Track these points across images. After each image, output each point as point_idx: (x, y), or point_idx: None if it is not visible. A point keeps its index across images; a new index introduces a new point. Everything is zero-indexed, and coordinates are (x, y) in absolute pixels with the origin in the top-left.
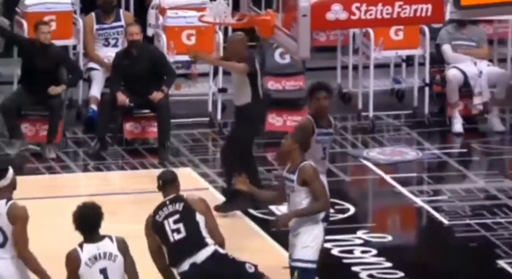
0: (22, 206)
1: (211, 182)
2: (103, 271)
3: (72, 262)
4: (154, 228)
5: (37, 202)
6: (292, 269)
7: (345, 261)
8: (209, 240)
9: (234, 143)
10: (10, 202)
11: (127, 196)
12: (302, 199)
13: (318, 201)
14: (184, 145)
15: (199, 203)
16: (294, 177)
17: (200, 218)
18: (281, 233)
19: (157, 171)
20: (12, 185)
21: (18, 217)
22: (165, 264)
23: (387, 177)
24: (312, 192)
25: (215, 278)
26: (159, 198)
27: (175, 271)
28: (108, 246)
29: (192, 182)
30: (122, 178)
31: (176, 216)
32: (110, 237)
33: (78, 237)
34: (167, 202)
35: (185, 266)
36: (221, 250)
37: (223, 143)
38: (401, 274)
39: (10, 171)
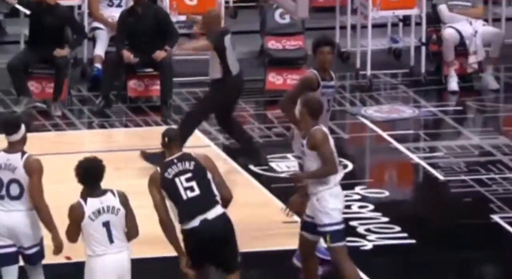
0: (37, 158)
1: (212, 139)
2: (106, 224)
3: (76, 214)
4: (163, 184)
5: (43, 158)
6: (322, 234)
7: (343, 216)
8: (219, 199)
9: (197, 109)
10: (25, 155)
11: (131, 153)
12: (312, 163)
13: (325, 166)
14: (187, 103)
15: (207, 160)
16: (305, 141)
17: (210, 176)
18: (280, 189)
19: (160, 129)
20: (24, 140)
21: (34, 170)
22: (169, 217)
23: (385, 134)
24: (320, 157)
25: (221, 237)
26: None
27: (180, 227)
28: (110, 200)
29: (194, 139)
30: (126, 135)
31: (188, 175)
32: (112, 191)
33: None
34: (175, 160)
35: (196, 222)
36: (228, 214)
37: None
38: (398, 228)
39: (22, 126)
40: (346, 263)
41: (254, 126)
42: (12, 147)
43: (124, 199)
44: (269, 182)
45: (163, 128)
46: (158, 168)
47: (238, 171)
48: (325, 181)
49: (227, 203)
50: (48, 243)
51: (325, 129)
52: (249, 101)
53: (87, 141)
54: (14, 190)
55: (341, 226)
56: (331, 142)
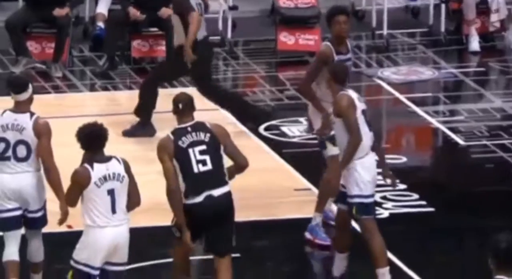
0: (46, 120)
1: None
2: (111, 192)
3: (82, 179)
4: (176, 153)
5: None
6: (350, 205)
7: None
8: (227, 178)
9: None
10: (34, 116)
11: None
12: (339, 131)
13: (350, 137)
14: None
15: (221, 129)
16: (332, 108)
17: (222, 152)
18: (291, 154)
19: (165, 91)
20: (31, 100)
21: (44, 131)
22: (179, 186)
23: (402, 97)
24: (345, 125)
25: (222, 215)
26: (167, 118)
27: (184, 200)
28: (116, 167)
29: (202, 102)
30: (130, 97)
31: (203, 147)
32: (117, 158)
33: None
34: (189, 129)
35: (201, 197)
36: (232, 195)
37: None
38: (416, 196)
39: (30, 85)
40: (373, 238)
41: (265, 89)
42: (20, 107)
43: (127, 167)
44: (280, 147)
45: (169, 91)
46: (171, 135)
47: (248, 136)
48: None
49: (242, 170)
50: (50, 209)
51: (353, 95)
52: (259, 62)
53: (89, 104)
54: (21, 151)
55: (370, 200)
56: (360, 108)
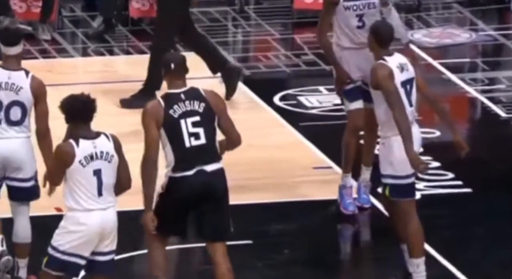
0: (41, 79)
1: None
2: (97, 172)
3: (65, 157)
4: (166, 123)
5: None
6: (383, 184)
7: None
8: (220, 154)
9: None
10: (30, 75)
11: (134, 84)
12: (379, 107)
13: (393, 112)
14: (200, 26)
15: (217, 99)
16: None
17: (216, 125)
18: (310, 128)
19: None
20: (22, 56)
21: (43, 92)
22: (157, 162)
23: (435, 63)
24: (384, 99)
25: (214, 191)
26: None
27: (168, 173)
28: (105, 145)
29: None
30: (127, 63)
31: (196, 118)
32: (106, 135)
33: None
34: (182, 96)
35: (191, 171)
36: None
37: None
38: (451, 175)
39: (22, 37)
40: (410, 223)
41: (280, 53)
42: (12, 63)
43: (118, 145)
44: (298, 119)
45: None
46: (161, 101)
47: (261, 107)
48: (393, 125)
49: (234, 148)
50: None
51: (393, 63)
52: (274, 23)
53: (81, 70)
54: (15, 114)
55: (405, 181)
56: (400, 79)
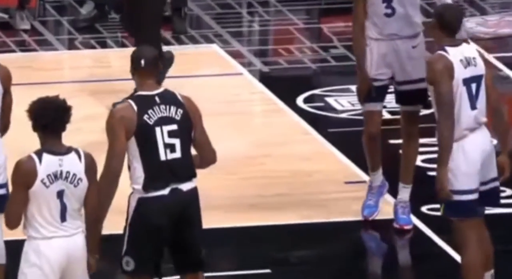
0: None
1: (246, 65)
2: (60, 195)
3: (25, 174)
4: (139, 131)
5: None
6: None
7: (430, 173)
8: (195, 169)
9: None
10: None
11: (129, 83)
12: (435, 102)
13: (438, 118)
14: (208, 13)
15: (195, 108)
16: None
17: (192, 136)
18: (340, 134)
19: (169, 49)
20: None
21: (11, 78)
22: (120, 173)
23: (490, 57)
24: (435, 96)
25: (190, 215)
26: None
27: (136, 194)
28: (73, 164)
29: (220, 64)
30: (122, 57)
31: (173, 127)
32: (78, 152)
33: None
34: (157, 99)
35: (165, 191)
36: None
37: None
38: (509, 191)
39: None
40: (466, 247)
41: (305, 46)
42: None
43: (91, 167)
44: (326, 125)
45: (173, 49)
46: (133, 103)
47: (282, 110)
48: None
49: (207, 166)
50: None
51: (456, 56)
52: (297, 10)
53: (67, 66)
54: None
55: (464, 197)
56: (462, 76)
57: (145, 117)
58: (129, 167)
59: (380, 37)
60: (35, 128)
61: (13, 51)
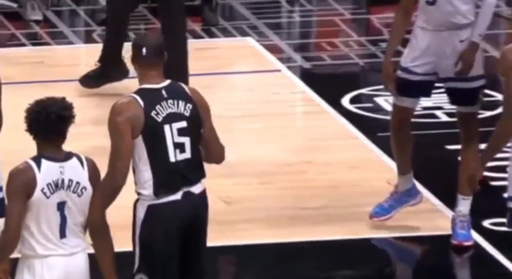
0: None
1: (285, 61)
2: (61, 206)
3: (25, 184)
4: (147, 128)
5: (13, 89)
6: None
7: (493, 183)
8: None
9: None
10: None
11: None
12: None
13: (503, 113)
14: (243, 2)
15: (204, 102)
16: None
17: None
18: (389, 140)
19: (199, 43)
20: None
21: None
22: (126, 178)
23: None
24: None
25: (202, 222)
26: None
27: (144, 201)
28: (76, 172)
29: (255, 59)
30: None
31: (183, 124)
32: (79, 158)
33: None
34: (164, 93)
35: (178, 195)
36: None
37: None
38: None
39: None
40: None
41: (351, 40)
42: None
43: (94, 174)
44: (374, 128)
45: (204, 43)
46: (138, 98)
47: (326, 112)
48: None
49: (215, 163)
50: None
51: None
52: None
53: (84, 62)
54: None
55: None
56: None
57: (153, 113)
58: (133, 170)
59: (425, 26)
60: (31, 132)
61: (23, 45)
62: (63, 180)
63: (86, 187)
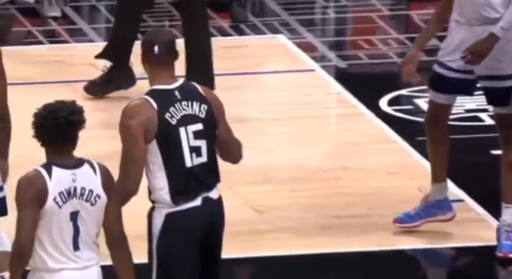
0: None
1: (319, 60)
2: (74, 216)
3: (36, 192)
4: (161, 131)
5: (29, 89)
6: None
7: None
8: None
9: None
10: None
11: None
12: None
13: None
14: None
15: (219, 102)
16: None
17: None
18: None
19: (227, 41)
20: None
21: (2, 68)
22: (139, 185)
23: None
24: None
25: (219, 225)
26: (229, 84)
27: (161, 209)
28: (89, 179)
29: (288, 58)
30: None
31: (198, 126)
32: (91, 164)
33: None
34: (177, 94)
35: (197, 201)
36: None
37: None
38: None
39: None
40: None
41: (390, 37)
42: None
43: (108, 181)
44: (414, 132)
45: (232, 40)
46: (151, 100)
47: (362, 114)
48: None
49: (233, 163)
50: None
51: None
52: None
53: (104, 61)
54: None
55: None
56: None
57: (167, 116)
58: (146, 176)
59: (459, 19)
60: (39, 139)
61: (41, 42)
62: (75, 188)
63: (99, 195)
